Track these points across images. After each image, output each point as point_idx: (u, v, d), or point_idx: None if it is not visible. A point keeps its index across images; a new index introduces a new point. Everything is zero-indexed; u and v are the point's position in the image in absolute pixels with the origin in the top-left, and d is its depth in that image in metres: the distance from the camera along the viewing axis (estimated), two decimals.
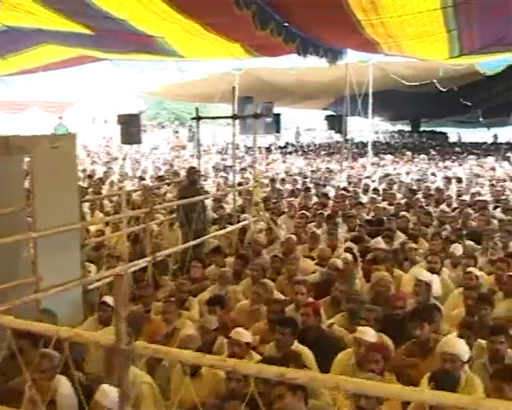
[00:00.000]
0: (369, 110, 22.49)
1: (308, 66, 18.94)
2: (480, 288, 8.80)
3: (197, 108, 13.15)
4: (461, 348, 5.75)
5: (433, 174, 20.88)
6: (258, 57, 17.45)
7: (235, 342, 6.25)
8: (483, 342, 6.49)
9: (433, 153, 30.18)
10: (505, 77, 22.29)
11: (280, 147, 37.16)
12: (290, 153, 32.93)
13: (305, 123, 55.24)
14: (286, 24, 11.91)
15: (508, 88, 24.80)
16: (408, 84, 23.96)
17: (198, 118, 12.85)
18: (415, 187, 17.25)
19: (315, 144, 40.76)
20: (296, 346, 6.53)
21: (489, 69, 19.40)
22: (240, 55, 15.86)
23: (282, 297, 8.51)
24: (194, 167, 12.52)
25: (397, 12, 10.63)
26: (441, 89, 26.95)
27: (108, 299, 7.49)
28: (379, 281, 8.32)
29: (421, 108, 38.03)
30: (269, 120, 20.19)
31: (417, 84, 24.08)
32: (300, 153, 32.84)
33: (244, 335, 6.33)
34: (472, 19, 11.44)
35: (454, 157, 27.75)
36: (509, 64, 18.38)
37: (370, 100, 21.95)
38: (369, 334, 6.34)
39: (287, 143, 40.66)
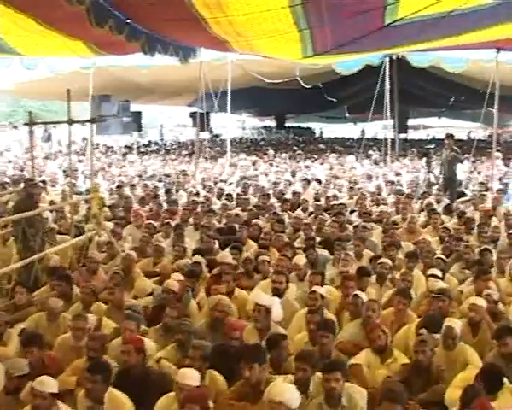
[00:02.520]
0: (228, 108, 21.80)
1: (162, 64, 18.04)
2: (328, 307, 8.30)
3: (30, 112, 12.02)
4: (289, 395, 5.16)
5: (294, 174, 20.40)
6: (105, 55, 16.41)
7: (38, 394, 5.38)
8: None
9: (298, 151, 29.74)
10: (367, 74, 22.17)
11: (144, 145, 36.00)
12: (152, 152, 31.58)
13: (175, 120, 54.30)
14: (128, 21, 11.06)
15: (369, 85, 24.69)
16: (269, 81, 23.54)
17: (31, 123, 11.70)
18: (271, 190, 16.59)
19: (179, 142, 39.75)
20: (111, 393, 5.70)
21: (345, 69, 19.34)
22: (84, 54, 14.79)
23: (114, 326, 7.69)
24: (31, 179, 11.38)
25: (243, 10, 10.07)
26: (305, 86, 26.69)
27: None
28: (216, 305, 7.59)
29: (287, 104, 37.97)
30: (127, 119, 19.30)
31: (280, 81, 23.71)
32: (163, 152, 31.61)
33: (48, 384, 5.46)
34: (323, 18, 11.01)
35: (316, 155, 27.27)
36: (367, 64, 18.44)
37: (229, 98, 21.32)
38: (190, 377, 5.63)
39: (149, 141, 39.53)
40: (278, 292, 8.29)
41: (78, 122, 12.01)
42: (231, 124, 45.59)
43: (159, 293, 8.75)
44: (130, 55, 16.05)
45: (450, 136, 16.86)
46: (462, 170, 20.00)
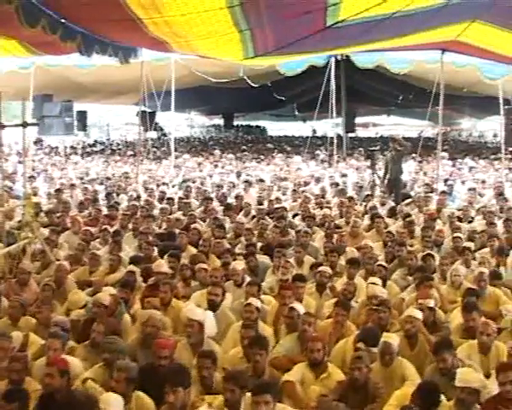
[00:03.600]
0: (172, 107, 21.40)
1: (103, 64, 17.61)
2: (265, 319, 8.06)
3: None
4: None
5: (239, 175, 20.08)
6: (42, 55, 15.91)
7: None
8: None
9: (246, 151, 29.42)
10: (316, 73, 22.01)
11: (89, 145, 35.24)
12: (97, 153, 30.71)
13: (124, 118, 53.55)
14: (63, 20, 10.64)
15: (318, 84, 24.55)
16: (215, 80, 23.26)
17: None
18: (214, 193, 16.24)
19: (126, 142, 39.09)
20: None
21: (289, 70, 19.17)
22: (20, 53, 14.29)
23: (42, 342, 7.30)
24: None
25: (181, 11, 9.77)
26: (253, 85, 26.48)
27: None
28: (147, 321, 7.24)
29: (235, 102, 37.82)
30: (69, 119, 18.78)
31: (227, 80, 23.45)
32: (109, 152, 30.87)
33: None
34: (262, 19, 10.78)
35: (262, 156, 26.94)
36: (311, 64, 18.33)
37: (173, 98, 20.94)
38: (111, 403, 5.33)
39: (95, 141, 38.76)
40: (214, 304, 7.99)
41: (7, 126, 11.53)
42: (179, 123, 45.29)
43: (89, 307, 8.37)
44: (68, 54, 15.54)
45: (394, 139, 16.81)
46: (407, 170, 20.00)
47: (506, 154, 23.64)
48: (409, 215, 13.12)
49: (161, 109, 24.56)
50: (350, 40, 13.78)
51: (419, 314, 7.25)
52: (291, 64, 18.02)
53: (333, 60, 20.18)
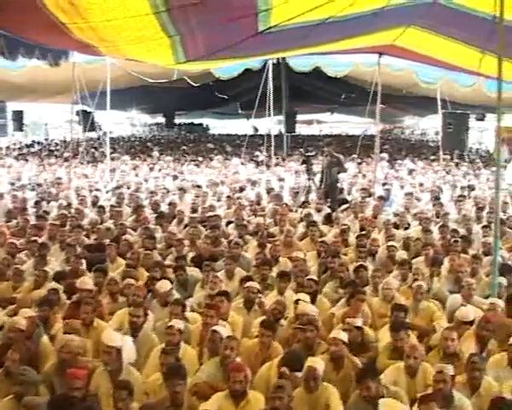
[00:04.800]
0: (108, 107, 20.85)
1: (34, 65, 17.06)
2: (189, 340, 7.77)
3: None
4: None
5: (175, 178, 19.64)
6: None
7: None
8: None
9: (187, 151, 28.98)
10: (257, 72, 21.76)
11: (26, 146, 34.27)
12: (34, 154, 29.59)
13: (65, 116, 52.46)
14: None
15: (260, 83, 24.38)
16: (152, 81, 22.82)
17: None
18: (147, 201, 15.74)
19: (64, 141, 38.06)
20: None
21: (224, 74, 18.94)
22: None
23: None
24: None
25: (105, 16, 9.42)
26: (193, 84, 26.16)
27: None
28: (63, 347, 6.88)
29: (176, 101, 37.42)
30: (2, 121, 18.28)
31: (166, 80, 23.04)
32: (47, 153, 29.99)
33: None
34: (191, 25, 10.48)
35: (201, 158, 26.39)
36: (246, 68, 18.17)
37: (108, 99, 20.38)
38: None
39: (33, 141, 37.76)
40: (135, 326, 7.68)
41: None
42: (121, 121, 44.71)
43: (5, 331, 7.91)
44: None
45: (330, 143, 16.68)
46: (346, 173, 19.85)
47: (445, 154, 23.86)
48: (344, 224, 12.97)
49: (101, 109, 23.99)
50: (285, 45, 13.59)
51: (344, 336, 7.03)
52: (226, 68, 17.77)
53: (270, 62, 19.96)
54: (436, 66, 16.28)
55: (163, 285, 8.89)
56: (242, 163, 24.15)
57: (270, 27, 10.95)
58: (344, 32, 12.54)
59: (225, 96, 37.12)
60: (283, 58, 20.28)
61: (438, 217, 14.24)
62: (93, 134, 27.95)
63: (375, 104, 17.83)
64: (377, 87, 17.41)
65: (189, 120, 50.75)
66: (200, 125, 51.16)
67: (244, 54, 14.16)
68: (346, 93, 34.83)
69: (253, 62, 18.55)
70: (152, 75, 21.96)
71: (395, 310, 8.12)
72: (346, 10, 10.44)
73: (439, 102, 22.33)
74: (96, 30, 10.27)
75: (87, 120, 24.55)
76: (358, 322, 7.65)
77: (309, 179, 16.68)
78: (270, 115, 20.56)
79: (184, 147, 32.14)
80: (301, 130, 55.59)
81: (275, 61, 20.34)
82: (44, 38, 12.01)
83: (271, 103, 20.21)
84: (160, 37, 10.94)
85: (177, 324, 7.35)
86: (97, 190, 17.11)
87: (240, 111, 44.89)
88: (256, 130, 45.72)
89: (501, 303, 8.52)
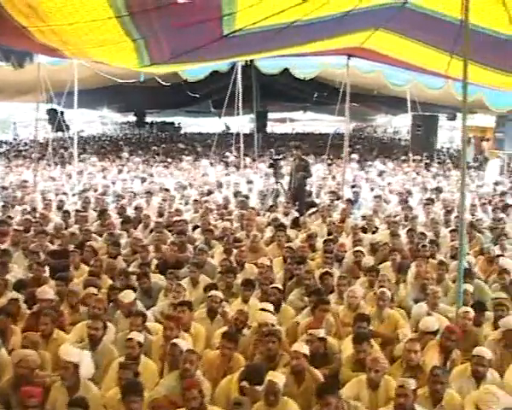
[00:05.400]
0: (75, 107, 20.66)
1: None
2: (150, 353, 7.62)
3: None
4: None
5: (144, 181, 19.44)
6: None
7: None
8: None
9: (157, 151, 28.63)
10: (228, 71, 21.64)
11: None
12: (1, 154, 29.18)
13: (34, 115, 51.80)
14: None
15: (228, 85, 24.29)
16: (121, 81, 22.61)
17: None
18: (114, 205, 15.47)
19: (34, 141, 37.30)
20: None
21: (191, 76, 18.81)
22: None
23: None
24: None
25: (67, 20, 9.22)
26: (164, 83, 25.95)
27: None
28: (19, 362, 6.69)
29: (148, 100, 37.07)
30: None
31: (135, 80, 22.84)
32: (14, 154, 29.28)
33: None
34: (155, 29, 10.32)
35: (170, 160, 25.98)
36: (214, 70, 18.08)
37: (76, 98, 20.20)
38: None
39: (0, 141, 37.22)
40: (94, 339, 7.52)
41: None
42: (92, 120, 44.33)
43: None
44: None
45: (298, 146, 16.58)
46: (315, 175, 19.77)
47: (414, 154, 23.90)
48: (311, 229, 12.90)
49: (70, 108, 23.70)
50: (252, 48, 13.48)
51: (306, 349, 6.92)
52: (193, 70, 17.63)
53: (239, 64, 19.88)
54: (405, 68, 16.24)
55: (126, 296, 8.71)
56: (212, 163, 23.95)
57: (234, 31, 10.85)
58: (312, 34, 12.44)
59: (197, 95, 36.90)
60: (251, 61, 20.15)
61: (406, 220, 14.18)
62: (63, 134, 27.36)
63: (345, 103, 17.85)
64: (347, 88, 17.39)
65: (161, 119, 50.44)
66: (172, 123, 50.82)
67: (210, 57, 13.99)
68: (319, 92, 34.82)
69: (221, 65, 18.42)
70: (120, 75, 21.75)
71: (357, 320, 8.03)
72: (312, 14, 10.34)
73: (408, 105, 22.39)
74: (58, 34, 10.08)
75: (57, 120, 24.25)
76: (321, 333, 7.56)
77: (277, 183, 16.57)
78: (239, 114, 20.46)
79: (155, 147, 31.73)
80: (274, 128, 55.78)
81: (243, 63, 20.23)
82: (8, 41, 11.82)
83: (240, 104, 20.12)
84: (124, 40, 10.76)
85: (137, 336, 7.21)
86: (64, 193, 16.71)
87: (212, 109, 44.73)
88: (228, 128, 45.56)
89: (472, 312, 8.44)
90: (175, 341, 7.12)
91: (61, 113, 25.49)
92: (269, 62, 18.48)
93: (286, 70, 22.72)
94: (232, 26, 10.51)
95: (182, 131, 51.00)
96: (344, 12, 10.68)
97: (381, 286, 9.29)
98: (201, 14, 9.81)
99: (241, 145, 20.82)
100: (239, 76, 20.03)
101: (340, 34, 12.93)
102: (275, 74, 21.81)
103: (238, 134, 21.99)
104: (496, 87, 14.93)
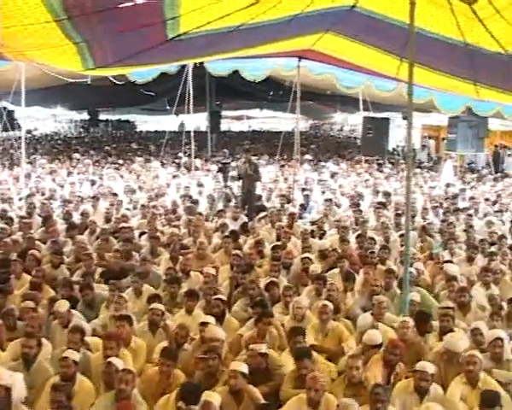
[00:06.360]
0: (22, 105, 20.23)
1: None
2: (88, 371, 7.38)
3: None
4: None
5: (93, 183, 18.99)
6: None
7: None
8: None
9: (108, 153, 28.09)
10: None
11: None
12: None
13: None
14: None
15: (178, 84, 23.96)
16: (71, 80, 22.19)
17: None
18: (60, 210, 14.99)
19: None
20: None
21: (140, 78, 18.52)
22: None
23: None
24: None
25: (3, 23, 8.98)
26: (117, 82, 25.54)
27: None
28: None
29: (101, 98, 36.53)
30: None
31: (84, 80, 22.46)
32: None
33: None
34: (96, 32, 10.11)
35: (121, 161, 25.24)
36: (162, 72, 17.87)
37: (23, 97, 19.80)
38: None
39: None
40: (28, 357, 7.24)
41: None
42: (44, 118, 43.64)
43: None
44: None
45: (248, 149, 16.44)
46: (267, 177, 19.61)
47: (365, 156, 23.90)
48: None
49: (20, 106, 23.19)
50: (200, 51, 13.32)
51: (244, 368, 6.75)
52: (141, 72, 17.35)
53: (190, 65, 19.67)
54: (356, 71, 16.23)
55: (61, 305, 8.46)
56: (163, 163, 23.60)
57: (179, 34, 10.68)
58: (262, 37, 12.38)
59: (152, 93, 36.54)
60: (200, 63, 19.93)
61: (357, 224, 14.08)
62: (15, 133, 26.74)
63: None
64: (302, 89, 17.41)
65: (116, 117, 49.88)
66: (128, 121, 50.31)
67: (157, 60, 13.84)
68: (274, 90, 34.77)
69: (169, 66, 18.17)
70: (69, 75, 21.36)
71: (293, 335, 7.81)
72: (261, 17, 10.23)
73: (361, 106, 22.39)
74: None
75: (8, 118, 23.74)
76: (263, 348, 7.39)
77: (225, 187, 16.35)
78: (189, 113, 20.26)
79: (107, 147, 31.18)
80: (231, 126, 55.63)
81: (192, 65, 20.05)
82: None
83: (191, 106, 19.88)
84: (66, 43, 10.52)
85: (72, 355, 6.95)
86: (10, 198, 16.02)
87: (168, 107, 44.41)
88: (183, 126, 45.27)
89: (411, 321, 8.35)
90: (110, 359, 6.88)
91: (9, 112, 24.89)
92: (218, 64, 18.25)
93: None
94: (176, 29, 10.37)
95: (138, 129, 50.52)
96: (293, 15, 10.59)
97: (329, 295, 9.22)
98: (144, 18, 9.66)
99: (193, 146, 20.48)
100: (189, 77, 19.87)
101: (290, 37, 12.85)
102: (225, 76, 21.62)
103: (187, 132, 21.68)
104: (444, 90, 15.00)
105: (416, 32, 9.14)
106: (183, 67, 19.71)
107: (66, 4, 8.38)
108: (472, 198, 17.77)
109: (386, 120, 23.12)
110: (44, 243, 12.19)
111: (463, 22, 9.38)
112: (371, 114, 24.43)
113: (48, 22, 9.11)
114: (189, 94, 20.03)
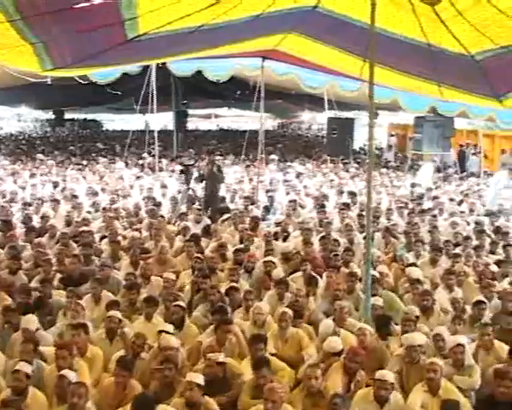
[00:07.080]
0: None
1: None
2: (42, 384, 7.17)
3: None
4: None
5: (56, 184, 18.65)
6: None
7: None
8: None
9: (73, 153, 27.69)
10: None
11: None
12: None
13: None
14: None
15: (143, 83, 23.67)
16: (33, 80, 21.86)
17: None
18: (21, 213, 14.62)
19: None
20: None
21: (100, 78, 18.28)
22: None
23: None
24: None
25: None
26: (81, 81, 25.24)
27: None
28: None
29: (66, 97, 36.05)
30: None
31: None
32: None
33: None
34: (52, 33, 9.89)
35: (85, 162, 24.78)
36: (124, 72, 17.68)
37: None
38: None
39: None
40: None
41: None
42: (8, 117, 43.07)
43: None
44: None
45: (211, 151, 16.29)
46: (232, 177, 19.45)
47: (330, 156, 23.85)
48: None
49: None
50: (162, 51, 13.15)
51: (200, 379, 6.59)
52: (102, 73, 17.09)
53: (154, 65, 19.49)
54: (320, 71, 16.16)
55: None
56: (127, 164, 23.32)
57: (139, 35, 10.52)
58: (224, 37, 12.25)
59: (118, 92, 36.22)
60: (163, 63, 19.75)
61: (321, 226, 13.95)
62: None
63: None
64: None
65: (83, 116, 49.37)
66: (94, 121, 49.84)
67: (119, 61, 13.59)
68: (240, 89, 34.65)
69: (131, 67, 17.95)
70: (31, 74, 21.08)
71: (253, 342, 7.69)
72: (219, 18, 10.12)
73: (326, 106, 22.35)
74: None
75: None
76: (220, 357, 7.24)
77: (188, 189, 16.10)
78: (153, 112, 20.10)
79: (72, 147, 30.74)
80: (199, 124, 55.38)
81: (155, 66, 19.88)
82: None
83: (155, 105, 19.70)
84: (22, 44, 10.29)
85: (24, 367, 6.72)
86: None
87: (134, 106, 44.10)
88: (147, 125, 45.01)
89: (368, 328, 8.26)
90: (63, 372, 6.68)
91: None
92: (181, 65, 18.05)
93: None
94: (135, 30, 10.19)
95: (104, 128, 50.07)
96: (254, 15, 10.48)
97: (294, 300, 9.17)
98: (101, 19, 9.48)
99: (156, 146, 20.27)
100: (153, 77, 19.71)
101: (254, 37, 12.75)
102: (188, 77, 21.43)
103: (150, 131, 21.48)
104: (407, 90, 14.98)
105: (378, 32, 9.12)
106: (147, 66, 19.50)
107: (18, 4, 8.17)
108: (436, 198, 17.72)
109: (351, 119, 23.14)
110: (3, 247, 11.88)
111: (426, 23, 9.33)
112: (337, 114, 24.38)
113: (1, 23, 8.90)
114: (152, 93, 19.80)
